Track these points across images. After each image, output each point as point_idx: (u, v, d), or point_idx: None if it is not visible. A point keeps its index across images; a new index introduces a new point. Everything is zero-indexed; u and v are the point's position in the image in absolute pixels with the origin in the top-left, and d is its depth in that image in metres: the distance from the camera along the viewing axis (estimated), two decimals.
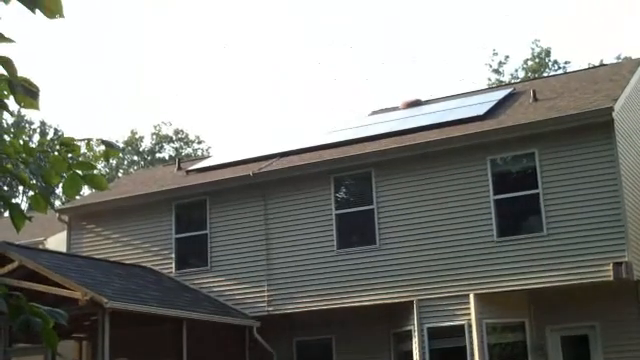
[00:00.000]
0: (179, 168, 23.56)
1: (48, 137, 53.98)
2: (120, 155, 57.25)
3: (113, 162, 57.06)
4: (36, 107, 4.00)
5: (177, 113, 78.15)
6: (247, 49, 75.33)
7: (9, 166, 4.30)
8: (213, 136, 78.02)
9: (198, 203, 20.73)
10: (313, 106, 71.93)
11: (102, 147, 4.39)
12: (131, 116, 76.56)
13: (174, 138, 58.05)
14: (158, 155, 56.64)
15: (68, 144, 4.34)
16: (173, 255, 20.69)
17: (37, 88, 3.84)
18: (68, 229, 22.30)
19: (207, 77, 76.49)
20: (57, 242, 24.87)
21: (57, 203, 41.04)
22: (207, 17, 73.69)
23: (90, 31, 76.02)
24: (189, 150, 56.81)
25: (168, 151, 57.28)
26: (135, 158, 56.77)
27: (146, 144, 57.89)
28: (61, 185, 4.43)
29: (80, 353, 20.28)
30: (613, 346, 16.89)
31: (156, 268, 20.60)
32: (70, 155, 4.37)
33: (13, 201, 4.20)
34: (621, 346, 16.80)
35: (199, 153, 54.39)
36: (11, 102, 4.05)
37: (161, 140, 57.87)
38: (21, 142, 4.29)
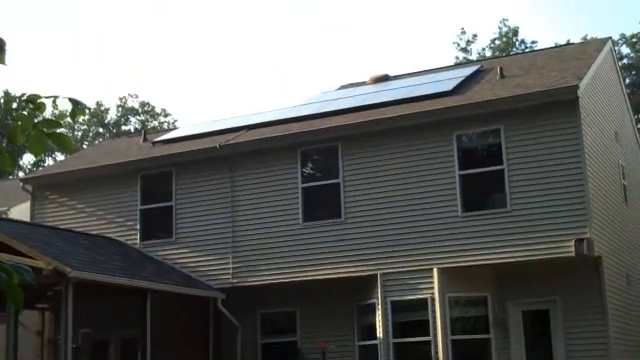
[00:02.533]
0: (145, 139, 23.41)
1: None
2: (85, 126, 56.84)
3: (78, 134, 56.59)
4: (2, 61, 3.96)
5: (143, 86, 77.51)
6: (215, 22, 74.86)
7: None
8: (179, 110, 77.60)
9: (164, 175, 20.64)
10: (281, 80, 71.75)
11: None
12: (96, 87, 75.81)
13: (140, 111, 57.69)
14: (124, 127, 56.27)
15: (34, 101, 4.30)
16: (138, 226, 20.61)
17: (3, 42, 3.80)
18: (32, 199, 22.11)
19: (174, 49, 75.95)
20: (20, 212, 24.66)
21: (20, 174, 40.65)
22: None
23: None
24: (155, 123, 56.49)
25: (134, 124, 56.93)
26: (100, 130, 56.34)
27: (111, 116, 57.47)
28: (27, 144, 4.39)
29: (43, 324, 20.15)
30: (573, 321, 17.13)
31: (121, 239, 20.50)
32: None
33: None
34: (581, 321, 17.06)
35: (165, 126, 54.08)
36: None
37: (127, 112, 57.47)
38: None
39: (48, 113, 4.42)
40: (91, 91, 75.31)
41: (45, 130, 4.28)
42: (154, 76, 75.26)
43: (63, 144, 4.32)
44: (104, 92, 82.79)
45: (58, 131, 4.33)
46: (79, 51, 74.64)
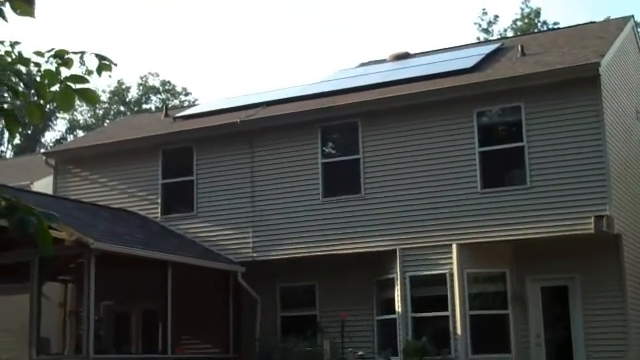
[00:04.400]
0: (166, 115, 23.57)
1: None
2: (107, 104, 57.11)
3: (100, 112, 56.88)
4: (32, 14, 4.06)
5: (164, 65, 77.68)
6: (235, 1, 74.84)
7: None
8: (200, 89, 77.75)
9: (185, 150, 20.80)
10: (301, 59, 71.72)
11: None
12: (118, 66, 75.93)
13: (161, 89, 57.88)
14: (145, 106, 56.46)
15: (61, 56, 4.41)
16: (159, 200, 20.81)
17: None
18: (54, 173, 22.34)
19: (196, 29, 76.05)
20: (43, 187, 24.87)
21: (42, 151, 40.96)
22: None
23: None
24: (176, 102, 56.61)
25: (155, 102, 57.12)
26: (122, 108, 56.57)
27: (133, 95, 57.70)
28: (54, 99, 4.49)
29: (65, 296, 20.41)
30: (592, 298, 17.17)
31: (142, 213, 20.71)
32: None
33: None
34: (599, 298, 17.09)
35: (186, 105, 54.25)
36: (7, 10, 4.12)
37: (148, 91, 57.67)
38: (16, 53, 4.35)
39: (75, 69, 4.52)
40: (112, 70, 75.31)
41: (72, 85, 4.39)
42: (175, 55, 75.44)
43: (90, 99, 4.43)
44: (125, 70, 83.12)
45: (85, 86, 4.43)
46: (100, 28, 74.92)
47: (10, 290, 17.29)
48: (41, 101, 4.34)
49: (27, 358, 16.09)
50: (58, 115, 56.01)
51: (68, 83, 4.34)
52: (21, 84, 4.41)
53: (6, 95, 4.27)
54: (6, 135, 53.91)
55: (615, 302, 16.97)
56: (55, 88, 4.36)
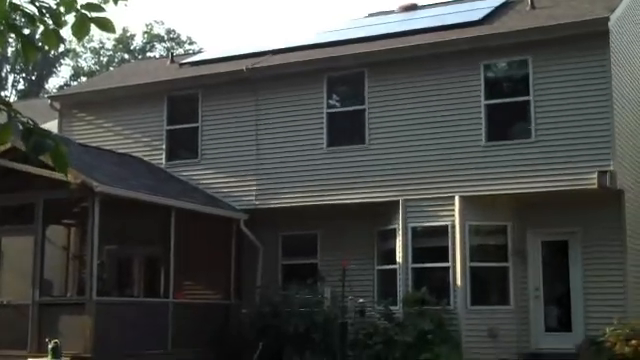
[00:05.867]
0: (172, 62, 23.49)
1: None
2: (111, 52, 56.90)
3: (104, 59, 56.71)
4: None
5: (170, 13, 77.22)
6: None
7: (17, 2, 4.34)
8: (205, 38, 77.35)
9: (190, 96, 20.78)
10: (309, 9, 71.25)
11: None
12: (122, 13, 75.58)
13: (166, 38, 57.62)
14: (149, 54, 56.24)
15: None
16: (164, 147, 20.83)
17: None
18: (60, 117, 22.34)
19: None
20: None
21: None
22: None
23: None
24: (180, 50, 56.35)
25: (159, 50, 56.89)
26: (126, 56, 56.37)
27: (137, 42, 57.45)
28: (70, 27, 4.49)
29: (69, 240, 20.54)
30: (592, 252, 17.25)
31: (147, 159, 20.74)
32: None
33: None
34: (600, 252, 17.17)
35: (191, 53, 54.01)
36: None
37: (152, 39, 57.42)
38: None
39: None
40: (117, 17, 75.04)
41: (88, 14, 4.38)
42: (180, 2, 74.92)
43: (106, 27, 4.42)
44: (130, 18, 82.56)
45: (101, 15, 4.42)
46: None
47: (14, 232, 17.38)
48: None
49: (30, 299, 16.23)
50: (62, 62, 55.87)
51: (84, 11, 4.33)
52: (36, 11, 4.40)
53: (22, 21, 4.27)
54: (10, 79, 53.82)
55: (615, 257, 17.05)
56: (71, 16, 4.35)
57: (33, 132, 3.77)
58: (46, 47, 4.38)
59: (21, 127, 3.81)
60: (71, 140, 3.82)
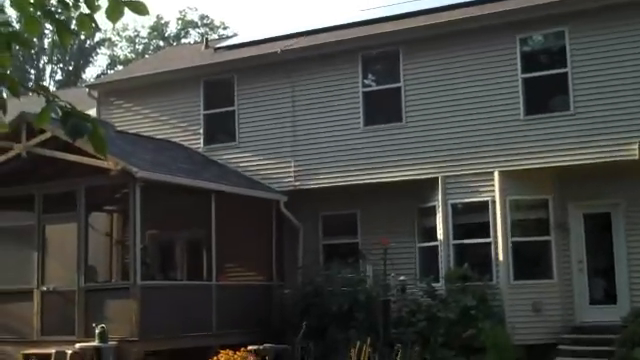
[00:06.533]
0: (207, 46, 23.57)
1: None
2: (146, 40, 57.20)
3: (139, 47, 57.05)
4: None
5: None
6: None
7: None
8: (238, 23, 77.44)
9: (226, 80, 20.85)
10: None
11: None
12: (155, 0, 75.88)
13: (199, 24, 57.77)
14: (183, 40, 56.44)
15: None
16: (201, 131, 20.95)
17: None
18: (97, 105, 22.53)
19: None
20: None
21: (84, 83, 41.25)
22: None
23: None
24: (214, 36, 56.50)
25: (194, 37, 57.05)
26: (161, 43, 56.62)
27: (171, 30, 57.68)
28: (104, 12, 4.53)
29: (111, 226, 20.78)
30: (635, 224, 17.06)
31: (184, 144, 20.87)
32: None
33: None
34: None
35: (224, 37, 54.14)
36: None
37: (186, 26, 57.60)
38: None
39: None
40: (151, 4, 75.30)
41: None
42: None
43: (139, 10, 4.45)
44: (164, 5, 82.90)
45: None
46: None
47: (58, 220, 17.58)
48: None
49: (76, 286, 16.45)
50: (98, 51, 56.28)
51: None
52: None
53: (56, 6, 4.30)
54: (48, 70, 54.36)
55: None
56: (104, 1, 4.39)
57: (71, 115, 3.81)
58: (81, 33, 4.42)
59: (60, 111, 3.85)
60: (109, 123, 3.85)
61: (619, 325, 15.96)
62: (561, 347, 16.52)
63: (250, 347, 13.78)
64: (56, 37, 4.07)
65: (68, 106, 3.89)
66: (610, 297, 17.33)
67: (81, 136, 3.79)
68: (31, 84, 4.67)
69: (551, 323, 17.13)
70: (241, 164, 20.19)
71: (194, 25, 57.57)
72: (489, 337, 15.90)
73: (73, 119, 3.81)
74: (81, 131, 3.78)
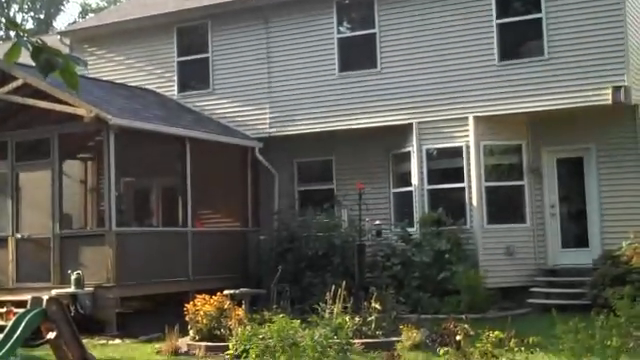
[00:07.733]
0: None
1: None
2: None
3: None
4: None
5: None
6: None
7: None
8: None
9: (200, 26, 20.69)
10: None
11: None
12: None
13: None
14: None
15: None
16: (175, 78, 20.81)
17: None
18: (70, 52, 22.27)
19: None
20: None
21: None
22: None
23: None
24: None
25: None
26: None
27: None
28: None
29: (86, 173, 20.72)
30: (607, 168, 17.24)
31: (158, 91, 20.75)
32: None
33: None
34: (616, 169, 17.15)
35: None
36: None
37: None
38: None
39: None
40: None
41: None
42: None
43: None
44: None
45: None
46: None
47: (31, 168, 17.49)
48: None
49: (51, 233, 16.44)
50: None
51: None
52: None
53: None
54: (19, 19, 53.53)
55: (631, 172, 17.03)
56: None
57: (42, 50, 3.79)
58: None
59: (30, 47, 3.82)
60: (81, 59, 3.82)
61: (590, 268, 16.23)
62: (534, 289, 16.80)
63: (226, 292, 13.85)
64: None
65: (39, 41, 3.86)
66: (582, 240, 17.56)
67: (53, 70, 3.77)
68: (3, 19, 4.61)
69: (524, 266, 17.37)
70: (216, 111, 20.12)
71: None
72: (462, 280, 16.11)
73: (44, 54, 3.78)
74: (53, 66, 3.76)
